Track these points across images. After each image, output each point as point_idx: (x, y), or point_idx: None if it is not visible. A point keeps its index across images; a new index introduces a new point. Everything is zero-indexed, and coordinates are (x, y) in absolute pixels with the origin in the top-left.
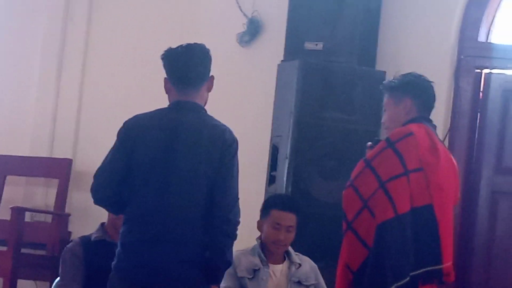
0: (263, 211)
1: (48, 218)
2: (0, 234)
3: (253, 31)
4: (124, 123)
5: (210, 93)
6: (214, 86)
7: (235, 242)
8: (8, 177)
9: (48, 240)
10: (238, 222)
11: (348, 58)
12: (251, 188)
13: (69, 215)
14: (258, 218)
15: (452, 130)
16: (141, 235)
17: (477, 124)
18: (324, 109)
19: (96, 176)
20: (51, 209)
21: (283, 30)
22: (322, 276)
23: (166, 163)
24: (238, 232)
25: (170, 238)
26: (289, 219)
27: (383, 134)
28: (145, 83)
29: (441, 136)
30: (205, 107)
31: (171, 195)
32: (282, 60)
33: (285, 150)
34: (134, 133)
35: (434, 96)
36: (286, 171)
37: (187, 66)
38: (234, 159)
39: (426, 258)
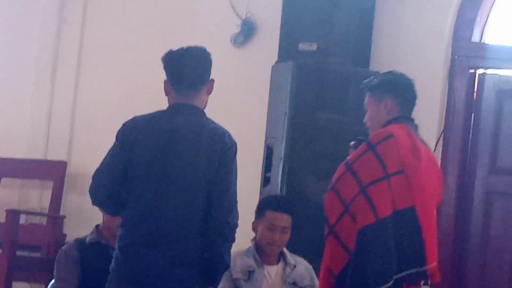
0: (258, 212)
1: (43, 221)
2: None
3: (247, 32)
4: (123, 125)
5: None
6: None
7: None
8: (3, 180)
9: (43, 243)
10: (237, 225)
11: (342, 59)
12: (245, 189)
13: (64, 217)
14: (253, 219)
15: (446, 130)
16: (139, 237)
17: (471, 124)
18: (319, 110)
19: (95, 177)
20: (46, 211)
21: (277, 31)
22: (317, 277)
23: (165, 165)
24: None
25: (168, 241)
26: (284, 220)
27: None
28: (140, 84)
29: (435, 137)
30: None
31: (170, 197)
32: (276, 61)
33: (280, 151)
34: (133, 134)
35: (415, 94)
36: (280, 172)
37: (187, 69)
38: (233, 162)
39: (410, 260)
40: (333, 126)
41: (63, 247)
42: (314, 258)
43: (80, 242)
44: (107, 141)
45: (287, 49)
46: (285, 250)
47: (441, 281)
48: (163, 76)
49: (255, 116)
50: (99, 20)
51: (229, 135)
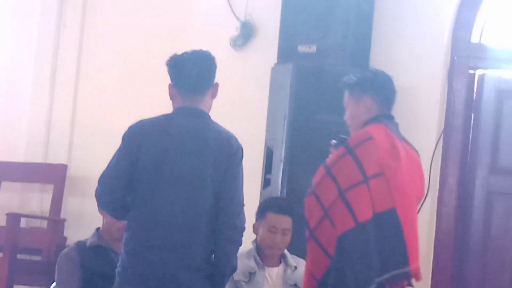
0: (259, 214)
1: (44, 224)
2: None
3: (246, 34)
4: (129, 128)
5: None
6: None
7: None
8: (3, 183)
9: (43, 246)
10: (244, 228)
11: (342, 60)
12: (246, 191)
13: (64, 220)
14: (253, 221)
15: (446, 131)
16: (146, 241)
17: (471, 124)
18: (318, 112)
19: (101, 180)
20: (47, 214)
21: (276, 33)
22: None
23: (171, 169)
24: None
25: (175, 245)
26: (285, 222)
27: None
28: (139, 87)
29: (435, 138)
30: None
31: (176, 201)
32: (275, 63)
33: (280, 153)
34: (138, 138)
35: (394, 91)
36: (281, 174)
37: (192, 73)
38: (240, 166)
39: (393, 262)
40: (333, 127)
41: (63, 251)
42: None
43: (80, 245)
44: (107, 144)
45: (286, 51)
46: (286, 252)
47: (442, 281)
48: (162, 79)
49: (255, 118)
50: (98, 24)
51: (236, 139)
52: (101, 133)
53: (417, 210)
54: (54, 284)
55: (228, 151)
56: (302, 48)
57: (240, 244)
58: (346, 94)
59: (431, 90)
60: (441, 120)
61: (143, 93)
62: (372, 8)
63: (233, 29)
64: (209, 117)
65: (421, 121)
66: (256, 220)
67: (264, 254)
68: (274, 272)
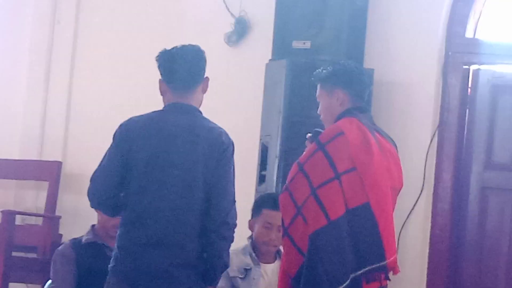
0: (254, 210)
1: (39, 221)
2: None
3: (240, 30)
4: (120, 126)
5: None
6: None
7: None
8: None
9: (39, 243)
10: (235, 225)
11: (336, 56)
12: (241, 187)
13: (59, 217)
14: (248, 217)
15: (441, 126)
16: (138, 238)
17: (466, 120)
18: (313, 108)
19: (93, 179)
20: (42, 211)
21: (270, 29)
22: None
23: (162, 165)
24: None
25: (167, 241)
26: (280, 218)
27: None
28: (134, 84)
29: (430, 133)
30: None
31: (168, 198)
32: (270, 59)
33: (275, 149)
34: (130, 135)
35: (366, 83)
36: (276, 170)
37: (182, 68)
38: (231, 162)
39: (369, 257)
40: None
41: (59, 248)
42: None
43: (76, 242)
44: (102, 141)
45: (280, 47)
46: (281, 248)
47: (438, 277)
48: (157, 75)
49: (249, 114)
50: (92, 21)
51: (226, 135)
52: (96, 130)
53: (394, 202)
54: (49, 281)
55: (219, 148)
56: (296, 44)
57: (232, 241)
58: (318, 88)
59: (425, 85)
60: (435, 115)
61: (137, 90)
62: (366, 3)
63: (227, 25)
64: (200, 112)
65: (416, 117)
66: (252, 216)
67: (260, 251)
68: (270, 269)
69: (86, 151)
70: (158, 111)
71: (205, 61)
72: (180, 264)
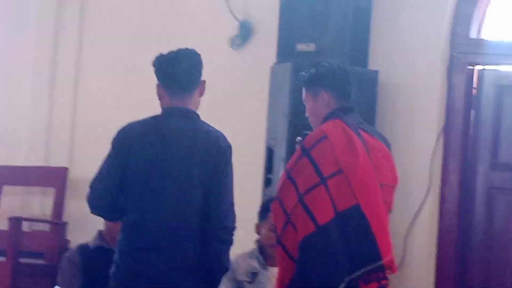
0: (261, 214)
1: (46, 227)
2: None
3: (245, 34)
4: (117, 132)
5: (203, 97)
6: (208, 90)
7: (233, 246)
8: (5, 187)
9: (46, 249)
10: (234, 228)
11: (340, 58)
12: (247, 191)
13: (66, 223)
14: (255, 220)
15: (447, 127)
16: (138, 243)
17: (471, 120)
18: None
19: (92, 186)
20: (49, 218)
21: (274, 32)
22: None
23: (161, 170)
24: (235, 235)
25: (166, 246)
26: None
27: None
28: (139, 89)
29: (435, 134)
30: (199, 112)
31: (166, 202)
32: (274, 63)
33: (281, 152)
34: (127, 141)
35: (350, 83)
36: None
37: (180, 71)
38: (229, 165)
39: (365, 258)
40: None
41: (66, 254)
42: None
43: (83, 248)
44: (108, 146)
45: (285, 50)
46: None
47: (445, 277)
48: None
49: (255, 118)
50: (97, 26)
51: (224, 138)
52: (101, 135)
53: (390, 200)
54: (57, 287)
55: (216, 151)
56: (300, 47)
57: (231, 244)
58: (304, 91)
59: (430, 86)
60: (441, 116)
61: (142, 95)
62: (370, 5)
63: (231, 29)
64: (198, 116)
65: (421, 118)
66: (259, 220)
67: (267, 254)
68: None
69: (92, 157)
70: (156, 115)
71: (201, 64)
72: (180, 268)
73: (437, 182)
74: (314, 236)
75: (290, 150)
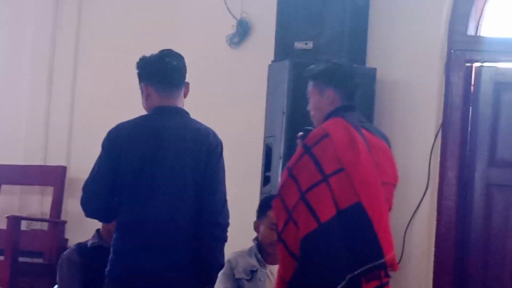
0: (259, 212)
1: (44, 226)
2: None
3: (242, 32)
4: (108, 133)
5: (202, 95)
6: (206, 88)
7: (232, 244)
8: (3, 186)
9: (45, 248)
10: (227, 224)
11: (338, 56)
12: (246, 189)
13: (65, 222)
14: (253, 218)
15: (445, 124)
16: (132, 242)
17: (470, 117)
18: None
19: (85, 188)
20: (47, 217)
21: (272, 30)
22: None
23: (153, 170)
24: (234, 233)
25: (160, 244)
26: None
27: None
28: (136, 88)
29: (433, 131)
30: (198, 109)
31: (159, 201)
32: (272, 61)
33: (279, 150)
34: (118, 142)
35: (356, 84)
36: (280, 171)
37: (170, 67)
38: (220, 162)
39: (366, 256)
40: None
41: (64, 253)
42: None
43: (81, 247)
44: None
45: (283, 48)
46: None
47: (444, 274)
48: None
49: (253, 116)
50: (94, 25)
51: (214, 135)
52: (99, 134)
53: (391, 198)
54: (56, 286)
55: (207, 148)
56: (298, 45)
57: (225, 240)
58: (310, 85)
59: (428, 84)
60: (439, 114)
61: (140, 94)
62: (367, 2)
63: (229, 27)
64: (188, 114)
65: (419, 115)
66: (257, 218)
67: (266, 252)
68: (276, 270)
69: (91, 155)
70: (146, 115)
71: (186, 67)
72: (174, 267)
73: (435, 179)
74: (316, 234)
75: (289, 148)
